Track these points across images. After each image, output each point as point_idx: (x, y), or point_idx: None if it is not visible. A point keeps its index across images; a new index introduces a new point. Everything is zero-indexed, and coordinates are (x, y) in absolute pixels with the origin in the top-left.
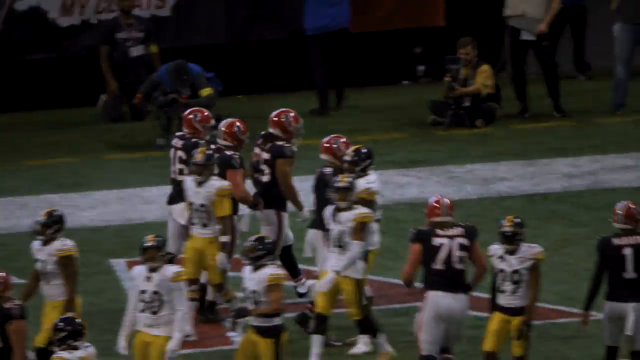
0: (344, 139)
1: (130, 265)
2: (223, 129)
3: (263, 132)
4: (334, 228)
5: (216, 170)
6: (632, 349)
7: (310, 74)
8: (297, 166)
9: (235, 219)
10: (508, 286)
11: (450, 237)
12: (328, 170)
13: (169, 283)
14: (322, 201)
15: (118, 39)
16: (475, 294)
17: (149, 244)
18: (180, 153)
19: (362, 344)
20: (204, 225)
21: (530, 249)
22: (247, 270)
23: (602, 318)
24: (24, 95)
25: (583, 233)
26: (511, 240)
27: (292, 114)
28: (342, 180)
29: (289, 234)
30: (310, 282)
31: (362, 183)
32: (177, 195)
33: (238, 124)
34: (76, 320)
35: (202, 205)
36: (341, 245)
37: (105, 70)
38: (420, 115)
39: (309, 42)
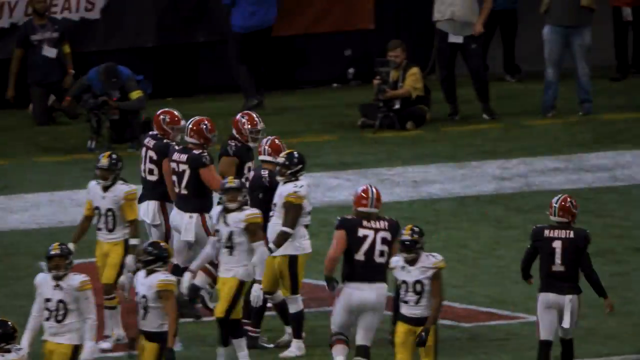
0: (277, 141)
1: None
2: (190, 126)
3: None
4: (223, 229)
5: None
6: (564, 337)
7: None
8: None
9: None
10: (411, 297)
11: (375, 229)
12: (264, 171)
13: (75, 292)
14: (256, 202)
15: (33, 41)
16: None
17: (54, 252)
18: (151, 153)
19: (294, 348)
20: (110, 231)
21: (430, 258)
22: (140, 275)
23: (532, 320)
24: None
25: (514, 235)
26: (410, 249)
27: (207, 123)
28: (231, 181)
29: None
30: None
31: (289, 187)
32: (145, 195)
33: (205, 122)
34: (8, 323)
35: (108, 210)
36: (231, 246)
37: (11, 73)
38: (351, 118)
39: (231, 39)
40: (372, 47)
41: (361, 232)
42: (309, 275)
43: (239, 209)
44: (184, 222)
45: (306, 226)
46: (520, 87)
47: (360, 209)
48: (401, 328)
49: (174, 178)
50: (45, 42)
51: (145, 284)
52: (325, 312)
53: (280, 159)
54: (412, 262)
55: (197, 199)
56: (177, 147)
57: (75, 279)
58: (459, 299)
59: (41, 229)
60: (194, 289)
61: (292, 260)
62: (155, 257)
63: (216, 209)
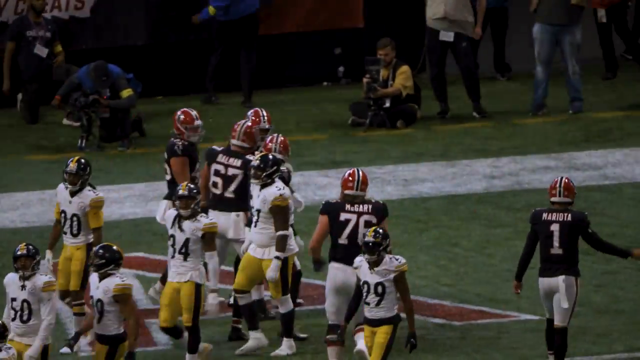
0: (281, 137)
1: (53, 266)
2: (242, 130)
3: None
4: (178, 235)
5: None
6: (557, 324)
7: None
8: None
9: None
10: (372, 298)
11: (358, 213)
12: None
13: (39, 292)
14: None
15: (28, 37)
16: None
17: (20, 252)
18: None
19: (285, 346)
20: (74, 235)
21: (394, 261)
22: (93, 279)
23: (523, 318)
24: None
25: (504, 234)
26: (372, 251)
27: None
28: (184, 188)
29: None
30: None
31: (273, 191)
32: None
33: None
34: None
35: (74, 215)
36: (187, 252)
37: (5, 67)
38: (341, 117)
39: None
40: (362, 45)
41: (343, 216)
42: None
43: (193, 216)
44: (231, 222)
45: (291, 225)
46: (510, 86)
47: (347, 191)
48: (366, 332)
49: (218, 180)
50: (39, 40)
51: (101, 288)
52: (317, 311)
53: (255, 162)
54: (375, 263)
55: (242, 201)
56: (219, 149)
57: (41, 279)
58: (450, 297)
59: (31, 227)
60: (257, 305)
61: (282, 262)
62: (107, 260)
63: (170, 213)
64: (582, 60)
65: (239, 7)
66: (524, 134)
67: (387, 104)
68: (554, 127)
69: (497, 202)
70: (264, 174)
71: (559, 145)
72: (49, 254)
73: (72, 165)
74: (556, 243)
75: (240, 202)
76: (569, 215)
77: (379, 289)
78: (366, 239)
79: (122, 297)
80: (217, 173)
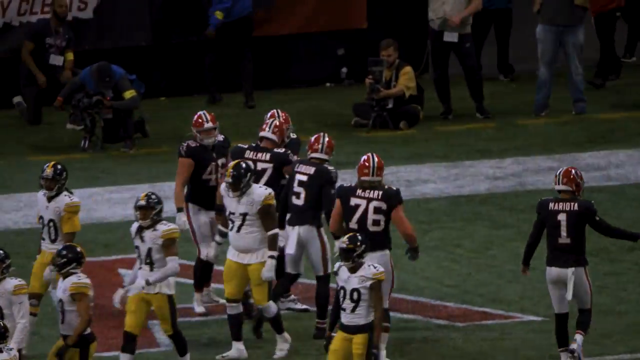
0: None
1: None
2: (273, 124)
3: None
4: (141, 246)
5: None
6: (581, 307)
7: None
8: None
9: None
10: (348, 304)
11: (367, 199)
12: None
13: (10, 296)
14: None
15: (46, 43)
16: (398, 295)
17: None
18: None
19: (281, 343)
20: (53, 241)
21: (371, 269)
22: (60, 279)
23: (526, 319)
24: None
25: (507, 235)
26: (347, 256)
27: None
28: (143, 198)
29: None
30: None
31: (260, 191)
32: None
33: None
34: None
35: (50, 221)
36: (151, 262)
37: (30, 64)
38: (344, 117)
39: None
40: (365, 46)
41: (353, 201)
42: (303, 275)
43: (152, 226)
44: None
45: None
46: (513, 86)
47: (363, 177)
48: (339, 335)
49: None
50: (54, 48)
51: (61, 287)
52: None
53: (229, 172)
54: (352, 270)
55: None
56: (245, 146)
57: (11, 283)
58: (452, 298)
59: (34, 228)
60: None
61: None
62: (69, 259)
63: (134, 225)
64: (584, 61)
65: (235, 9)
66: (527, 135)
67: (390, 105)
68: (557, 128)
69: (500, 203)
70: (242, 185)
71: (562, 146)
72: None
73: (49, 171)
74: (564, 233)
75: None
76: (576, 204)
77: (355, 295)
78: (340, 244)
79: (78, 296)
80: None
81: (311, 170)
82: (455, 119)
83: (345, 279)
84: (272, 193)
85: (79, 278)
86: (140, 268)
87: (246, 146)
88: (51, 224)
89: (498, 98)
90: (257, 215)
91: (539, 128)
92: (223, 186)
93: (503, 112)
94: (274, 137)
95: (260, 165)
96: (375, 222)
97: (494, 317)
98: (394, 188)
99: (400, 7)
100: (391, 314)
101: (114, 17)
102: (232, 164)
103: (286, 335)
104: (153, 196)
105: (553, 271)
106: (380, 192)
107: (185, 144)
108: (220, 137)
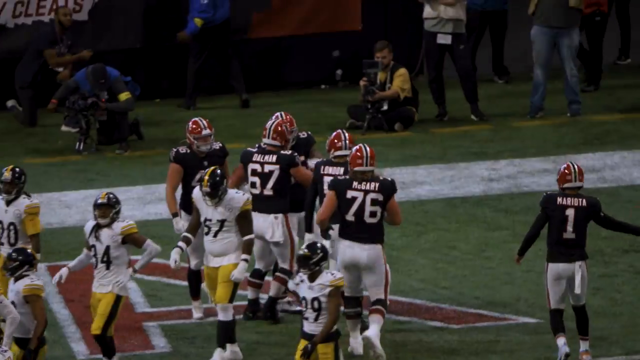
0: (347, 134)
1: (51, 269)
2: (272, 128)
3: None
4: (98, 245)
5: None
6: (576, 304)
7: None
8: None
9: None
10: (310, 313)
11: (364, 191)
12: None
13: None
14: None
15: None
16: (393, 297)
17: None
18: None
19: (217, 356)
20: (12, 245)
21: (329, 276)
22: (11, 282)
23: (521, 322)
24: None
25: (502, 237)
26: (304, 265)
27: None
28: (103, 197)
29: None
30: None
31: (238, 196)
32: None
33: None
34: None
35: (10, 224)
36: (108, 261)
37: (65, 60)
38: (339, 119)
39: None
40: (359, 48)
41: (350, 193)
42: None
43: (110, 225)
44: (269, 223)
45: None
46: (508, 88)
47: (357, 168)
48: (300, 345)
49: (255, 179)
50: (59, 55)
51: (14, 290)
52: None
53: (206, 181)
54: (311, 278)
55: (281, 200)
56: (254, 150)
57: None
58: (448, 300)
59: None
60: (253, 303)
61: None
62: (21, 262)
63: (89, 224)
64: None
65: (216, 17)
66: (522, 137)
67: (385, 107)
68: (552, 130)
69: (495, 205)
70: (220, 193)
71: (557, 148)
72: None
73: (7, 174)
74: (570, 228)
75: (279, 202)
76: (584, 200)
77: (315, 304)
78: (299, 252)
79: (32, 298)
80: (254, 172)
81: (340, 170)
82: (450, 120)
83: (306, 288)
84: (250, 198)
85: (32, 280)
86: (95, 267)
87: (255, 150)
88: (11, 227)
89: (493, 100)
90: (235, 221)
91: (534, 130)
92: (196, 191)
93: (498, 114)
94: (274, 142)
95: (267, 168)
96: (372, 214)
97: (489, 319)
98: (389, 179)
99: (395, 9)
100: (386, 316)
101: (109, 19)
102: (207, 171)
103: (231, 349)
104: (112, 195)
105: (560, 267)
106: (377, 184)
107: (175, 150)
108: (217, 145)
